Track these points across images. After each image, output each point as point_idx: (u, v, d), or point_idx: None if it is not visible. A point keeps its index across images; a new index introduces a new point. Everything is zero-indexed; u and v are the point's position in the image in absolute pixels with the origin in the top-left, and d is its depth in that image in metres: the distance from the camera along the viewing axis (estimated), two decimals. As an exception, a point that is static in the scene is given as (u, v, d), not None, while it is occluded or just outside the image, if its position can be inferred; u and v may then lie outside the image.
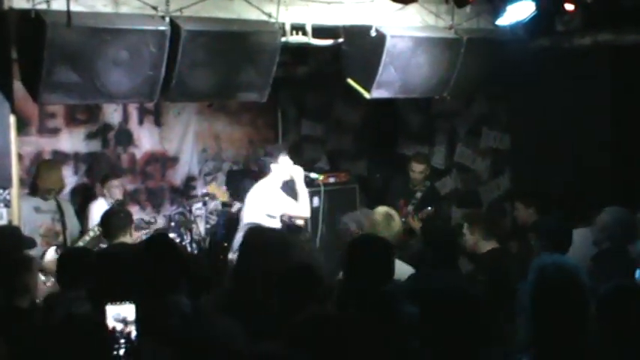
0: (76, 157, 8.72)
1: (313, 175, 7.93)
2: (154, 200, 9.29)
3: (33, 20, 5.17)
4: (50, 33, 5.13)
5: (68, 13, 5.09)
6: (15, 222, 5.81)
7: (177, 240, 8.08)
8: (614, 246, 5.60)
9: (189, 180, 9.53)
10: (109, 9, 5.60)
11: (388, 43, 6.51)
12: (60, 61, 5.26)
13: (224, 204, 8.68)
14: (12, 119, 5.70)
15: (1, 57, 5.55)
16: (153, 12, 5.68)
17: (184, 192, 9.41)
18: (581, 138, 7.70)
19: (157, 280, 4.09)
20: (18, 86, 5.69)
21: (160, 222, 8.64)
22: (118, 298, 3.54)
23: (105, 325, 3.52)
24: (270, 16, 6.16)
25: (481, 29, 7.16)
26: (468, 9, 6.72)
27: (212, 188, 8.55)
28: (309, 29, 6.50)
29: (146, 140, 9.22)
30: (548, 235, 5.38)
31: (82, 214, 7.86)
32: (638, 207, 5.98)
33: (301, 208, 7.39)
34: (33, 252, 5.83)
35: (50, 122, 8.52)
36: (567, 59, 7.48)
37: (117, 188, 7.99)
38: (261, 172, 7.70)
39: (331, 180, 9.23)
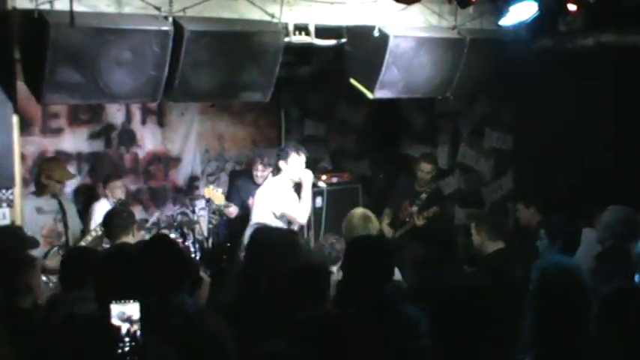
0: (79, 157, 8.73)
1: (321, 184, 7.82)
2: (156, 200, 9.29)
3: (36, 20, 5.17)
4: (53, 33, 5.13)
5: (71, 13, 5.10)
6: (18, 222, 5.81)
7: (180, 240, 8.08)
8: (617, 244, 5.60)
9: (192, 180, 9.54)
10: (112, 9, 5.60)
11: (391, 43, 6.51)
12: (63, 61, 5.27)
13: (220, 211, 8.68)
14: (15, 119, 5.70)
15: (4, 57, 5.56)
16: (156, 12, 5.68)
17: (187, 192, 9.42)
18: (583, 139, 7.70)
19: (160, 280, 4.10)
20: (21, 86, 5.69)
21: (163, 222, 8.64)
22: (122, 298, 3.55)
23: (109, 324, 3.53)
24: (273, 16, 6.16)
25: (484, 29, 7.16)
26: (471, 9, 6.72)
27: (208, 192, 8.50)
28: (312, 29, 6.50)
29: (149, 140, 9.24)
30: (562, 235, 5.36)
31: (85, 215, 7.86)
32: (640, 208, 5.98)
33: (298, 213, 7.15)
34: (35, 252, 5.83)
35: (53, 122, 8.53)
36: (570, 60, 7.48)
37: (119, 189, 8.00)
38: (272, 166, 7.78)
39: (334, 180, 9.24)
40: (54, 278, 6.58)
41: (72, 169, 8.28)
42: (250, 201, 7.71)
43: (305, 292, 4.27)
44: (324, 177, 9.17)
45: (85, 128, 8.77)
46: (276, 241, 4.64)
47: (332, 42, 6.78)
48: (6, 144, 5.61)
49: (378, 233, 5.74)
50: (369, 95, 6.79)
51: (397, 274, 5.48)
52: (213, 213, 9.06)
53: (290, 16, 6.28)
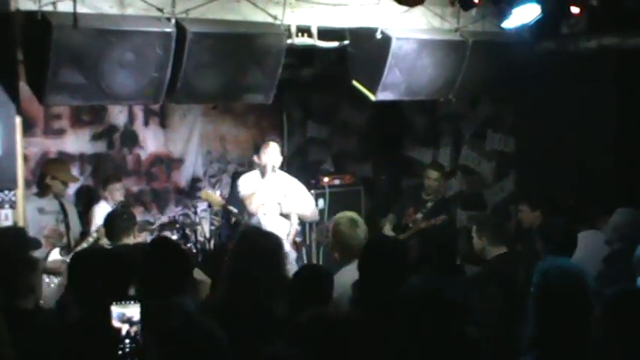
0: (82, 159, 8.75)
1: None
2: (158, 201, 9.31)
3: (39, 22, 5.17)
4: (56, 34, 5.13)
5: (74, 14, 5.10)
6: (20, 223, 5.81)
7: (182, 241, 8.09)
8: (626, 246, 5.58)
9: (194, 181, 9.56)
10: (114, 11, 5.60)
11: (394, 45, 6.51)
12: (66, 62, 5.27)
13: (219, 213, 8.70)
14: (17, 120, 5.69)
15: (7, 58, 5.55)
16: (159, 14, 5.68)
17: (189, 193, 9.44)
18: (585, 141, 7.69)
19: (161, 282, 4.10)
20: (23, 87, 5.69)
21: (165, 223, 8.65)
22: (123, 299, 3.56)
23: (111, 326, 3.54)
24: (275, 18, 6.16)
25: (486, 32, 7.15)
26: (473, 11, 6.72)
27: (205, 195, 8.50)
28: (314, 31, 6.50)
29: (151, 142, 9.25)
30: (554, 238, 5.37)
31: (86, 216, 7.86)
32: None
33: (251, 199, 7.59)
34: (37, 253, 5.83)
35: (56, 123, 8.54)
36: (572, 62, 7.47)
37: (118, 191, 8.00)
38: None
39: (336, 182, 9.24)
40: (55, 279, 6.59)
41: (74, 170, 8.27)
42: None
43: (307, 293, 4.27)
44: (326, 179, 9.19)
45: (88, 129, 8.79)
46: (263, 242, 4.59)
47: (334, 44, 6.78)
48: (8, 145, 5.60)
49: (365, 239, 5.67)
50: (372, 97, 6.79)
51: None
52: (215, 214, 9.06)
53: (292, 18, 6.28)
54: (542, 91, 7.84)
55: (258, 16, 6.15)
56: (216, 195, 8.37)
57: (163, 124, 9.31)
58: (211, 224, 9.09)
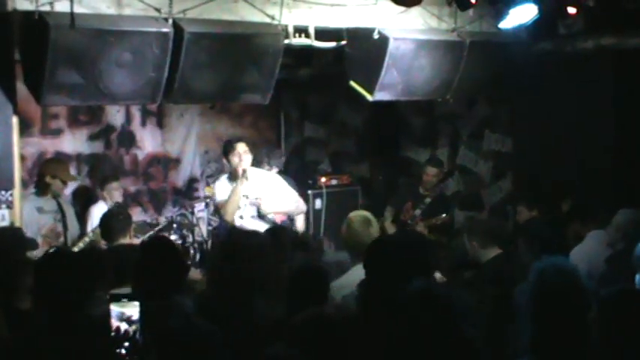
0: (79, 159, 8.74)
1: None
2: (156, 202, 9.30)
3: (36, 22, 5.17)
4: (53, 34, 5.13)
5: (72, 14, 5.10)
6: (17, 223, 5.81)
7: (179, 242, 8.08)
8: (629, 247, 5.57)
9: (192, 182, 9.56)
10: (112, 11, 5.60)
11: (391, 45, 6.51)
12: (63, 62, 5.27)
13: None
14: (15, 120, 5.70)
15: (4, 58, 5.56)
16: (156, 14, 5.68)
17: (186, 194, 9.44)
18: (583, 141, 7.69)
19: (159, 282, 4.10)
20: (21, 87, 5.69)
21: (162, 223, 8.64)
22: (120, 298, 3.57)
23: (109, 325, 3.54)
24: (273, 18, 6.17)
25: (484, 32, 7.16)
26: (470, 12, 6.71)
27: (210, 190, 8.50)
28: (312, 31, 6.50)
29: (148, 142, 9.25)
30: (537, 238, 5.35)
31: (83, 217, 7.85)
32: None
33: (225, 205, 7.25)
34: (34, 253, 5.83)
35: (53, 123, 8.54)
36: (570, 63, 7.48)
37: (116, 191, 7.99)
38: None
39: (333, 182, 9.24)
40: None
41: (71, 170, 8.27)
42: None
43: (304, 293, 4.26)
44: (323, 179, 9.18)
45: (85, 129, 8.79)
46: (248, 244, 4.57)
47: (332, 44, 6.79)
48: (6, 145, 5.61)
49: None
50: (369, 97, 6.79)
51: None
52: (213, 215, 9.06)
53: (290, 18, 6.28)
54: (539, 92, 7.84)
55: (256, 17, 6.15)
56: None
57: (161, 124, 9.31)
58: (209, 224, 9.09)
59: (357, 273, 4.79)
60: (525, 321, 3.42)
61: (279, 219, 7.46)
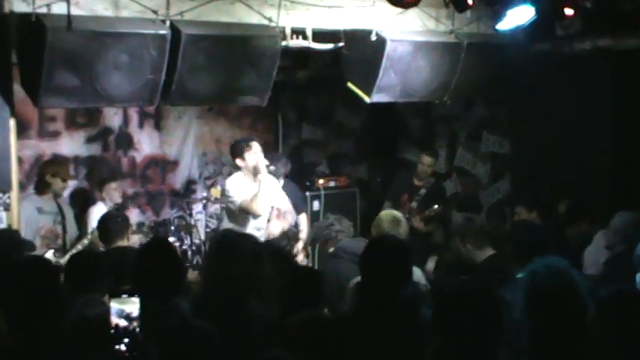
0: (76, 161, 8.73)
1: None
2: (154, 204, 9.29)
3: (33, 24, 5.17)
4: (50, 37, 5.13)
5: (69, 16, 5.09)
6: (14, 226, 5.80)
7: (178, 244, 8.08)
8: (628, 249, 5.56)
9: (190, 184, 9.55)
10: (109, 13, 5.59)
11: (388, 47, 6.51)
12: (60, 64, 5.26)
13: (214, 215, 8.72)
14: (12, 123, 5.69)
15: (1, 60, 5.55)
16: (153, 16, 5.67)
17: (184, 196, 9.42)
18: (581, 142, 7.69)
19: (158, 284, 4.09)
20: (18, 90, 5.69)
21: (160, 226, 8.63)
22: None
23: (106, 325, 3.54)
24: (270, 20, 6.16)
25: (481, 34, 7.17)
26: (468, 13, 6.71)
27: (215, 192, 8.52)
28: (309, 33, 6.50)
29: (146, 144, 9.24)
30: (525, 242, 5.33)
31: (81, 219, 7.85)
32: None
33: (253, 204, 7.08)
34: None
35: (50, 125, 8.53)
36: (567, 64, 7.48)
37: (115, 191, 8.00)
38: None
39: (331, 184, 9.24)
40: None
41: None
42: None
43: (299, 295, 4.26)
44: (321, 181, 9.18)
45: (83, 132, 8.77)
46: (241, 247, 4.56)
47: (329, 46, 6.78)
48: (3, 147, 5.60)
49: (407, 236, 5.73)
50: (367, 99, 6.79)
51: (419, 275, 5.52)
52: (211, 217, 9.06)
53: (287, 20, 6.28)
54: (537, 93, 7.84)
55: (253, 18, 6.14)
56: None
57: (158, 127, 9.30)
58: (206, 226, 9.09)
59: None
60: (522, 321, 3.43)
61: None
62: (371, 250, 4.38)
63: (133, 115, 9.09)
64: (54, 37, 5.15)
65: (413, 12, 6.65)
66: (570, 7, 6.44)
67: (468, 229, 6.37)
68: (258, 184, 7.07)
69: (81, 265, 4.87)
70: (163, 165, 9.39)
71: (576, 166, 7.67)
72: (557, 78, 7.62)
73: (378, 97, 6.78)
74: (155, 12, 5.67)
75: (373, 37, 6.52)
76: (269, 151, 7.94)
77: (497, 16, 6.70)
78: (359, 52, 6.73)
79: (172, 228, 8.53)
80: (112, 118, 8.93)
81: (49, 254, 6.79)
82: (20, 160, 7.00)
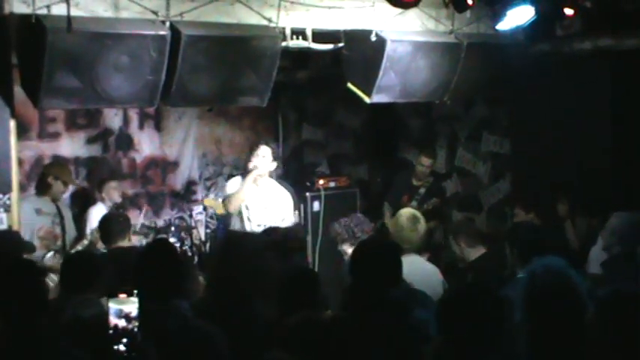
0: (77, 162, 8.72)
1: None
2: (154, 205, 9.29)
3: (33, 25, 5.17)
4: (51, 38, 5.13)
5: (68, 18, 5.09)
6: (15, 227, 5.81)
7: (178, 245, 8.08)
8: (625, 250, 5.55)
9: (190, 184, 9.54)
10: (109, 14, 5.60)
11: (388, 47, 6.51)
12: (60, 65, 5.26)
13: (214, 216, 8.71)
14: (12, 124, 5.69)
15: (1, 62, 5.55)
16: (153, 17, 5.68)
17: (185, 197, 9.42)
18: (581, 142, 7.69)
19: (158, 285, 4.10)
20: (18, 91, 5.68)
21: (161, 227, 8.64)
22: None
23: (103, 325, 3.54)
24: (270, 20, 6.16)
25: (481, 34, 7.17)
26: (468, 14, 6.71)
27: (208, 202, 8.50)
28: (309, 34, 6.50)
29: (146, 145, 9.23)
30: (521, 242, 5.33)
31: (81, 219, 7.85)
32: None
33: (228, 199, 7.17)
34: (32, 256, 5.84)
35: (50, 127, 8.52)
36: (567, 64, 7.48)
37: (115, 190, 8.00)
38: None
39: (332, 184, 9.23)
40: (55, 277, 6.58)
41: (70, 173, 8.30)
42: None
43: (296, 296, 4.26)
44: (321, 181, 9.18)
45: (83, 133, 8.77)
46: (247, 247, 4.56)
47: (329, 46, 6.78)
48: (3, 149, 5.60)
49: (426, 235, 5.76)
50: (367, 99, 6.79)
51: (435, 272, 5.59)
52: (211, 218, 9.06)
53: (287, 21, 6.28)
54: (537, 93, 7.84)
55: (253, 19, 6.15)
56: (218, 201, 8.35)
57: (158, 127, 9.30)
58: (207, 227, 9.09)
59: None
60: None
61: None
62: (361, 251, 4.38)
63: (133, 116, 9.09)
64: (54, 39, 5.14)
65: (413, 12, 6.66)
66: (570, 7, 6.45)
67: (461, 228, 6.40)
68: (242, 183, 7.07)
69: (77, 265, 4.87)
70: (163, 166, 9.38)
71: (576, 166, 7.67)
72: (557, 78, 7.63)
73: (378, 98, 6.78)
74: (155, 13, 5.68)
75: (373, 38, 6.51)
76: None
77: (497, 16, 6.71)
78: (359, 52, 6.73)
79: (173, 229, 8.53)
80: (112, 119, 8.93)
81: (49, 255, 6.81)
82: (20, 162, 7.00)
